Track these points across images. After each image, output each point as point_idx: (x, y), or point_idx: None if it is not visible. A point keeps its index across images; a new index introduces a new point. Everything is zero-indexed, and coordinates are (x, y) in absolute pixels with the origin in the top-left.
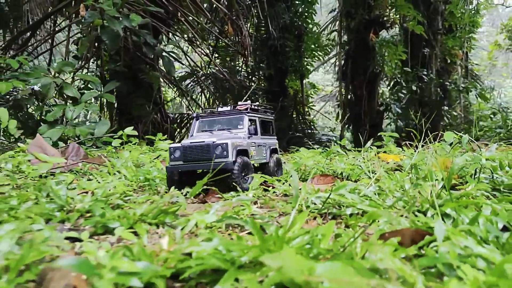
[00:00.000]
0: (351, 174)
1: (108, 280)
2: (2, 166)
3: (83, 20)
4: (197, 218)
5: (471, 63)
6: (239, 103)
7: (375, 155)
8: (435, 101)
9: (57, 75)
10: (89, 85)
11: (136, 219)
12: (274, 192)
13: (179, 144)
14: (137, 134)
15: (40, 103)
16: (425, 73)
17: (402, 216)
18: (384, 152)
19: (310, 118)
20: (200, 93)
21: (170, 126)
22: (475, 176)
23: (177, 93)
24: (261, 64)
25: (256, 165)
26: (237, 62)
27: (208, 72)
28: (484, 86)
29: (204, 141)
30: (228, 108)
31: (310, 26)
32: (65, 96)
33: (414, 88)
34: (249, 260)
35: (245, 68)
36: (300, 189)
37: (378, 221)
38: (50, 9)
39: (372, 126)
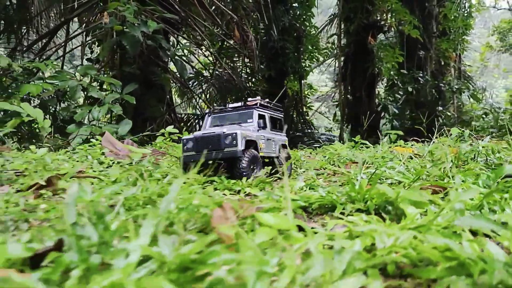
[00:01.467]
0: (374, 162)
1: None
2: (88, 159)
3: (104, 25)
4: (292, 184)
5: (464, 65)
6: (249, 99)
7: (388, 148)
8: (430, 101)
9: (81, 77)
10: (104, 88)
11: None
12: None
13: (191, 136)
14: (178, 131)
15: (65, 104)
16: (421, 75)
17: (427, 181)
18: (397, 146)
19: (309, 118)
20: (200, 94)
21: (179, 126)
22: (474, 159)
23: (186, 94)
24: (261, 66)
25: (266, 160)
26: (238, 64)
27: (214, 73)
28: (476, 87)
29: (214, 132)
30: (239, 104)
31: (309, 28)
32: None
33: (410, 89)
34: (346, 200)
35: (245, 70)
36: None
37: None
38: (57, 13)
39: (370, 126)
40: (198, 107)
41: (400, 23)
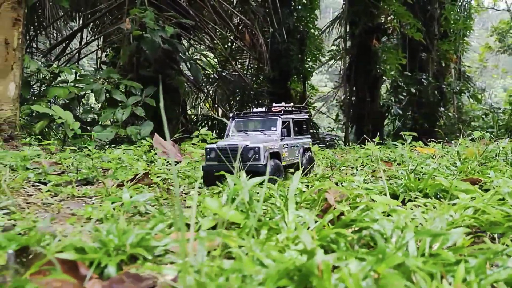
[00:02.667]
0: (400, 161)
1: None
2: (144, 160)
3: (125, 31)
4: (351, 179)
5: (463, 65)
6: (274, 104)
7: (410, 149)
8: (432, 102)
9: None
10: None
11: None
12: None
13: (214, 145)
14: (210, 132)
15: (86, 106)
16: (424, 76)
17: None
18: (420, 146)
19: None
20: (208, 95)
21: (192, 127)
22: (496, 158)
23: (198, 96)
24: (265, 67)
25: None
26: (244, 66)
27: (222, 75)
28: (476, 87)
29: (237, 144)
30: (263, 109)
31: (312, 30)
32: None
33: (413, 90)
34: (404, 190)
35: (251, 71)
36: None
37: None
38: (69, 19)
39: (374, 126)
40: (205, 108)
41: (403, 25)
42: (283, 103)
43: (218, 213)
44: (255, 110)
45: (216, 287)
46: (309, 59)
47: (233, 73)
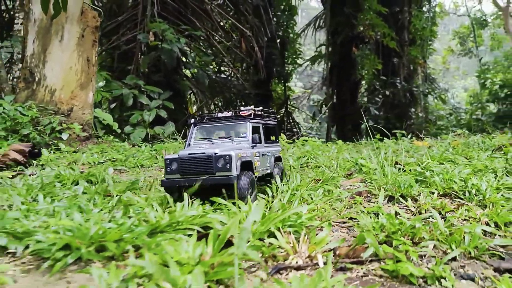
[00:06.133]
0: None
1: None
2: None
3: (142, 40)
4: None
5: (428, 68)
6: (242, 108)
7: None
8: (404, 104)
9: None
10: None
11: None
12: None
13: (176, 155)
14: None
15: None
16: (398, 80)
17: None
18: (415, 141)
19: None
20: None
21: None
22: (473, 146)
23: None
24: (249, 69)
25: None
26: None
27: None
28: (440, 88)
29: (204, 153)
30: (229, 113)
31: (291, 35)
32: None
33: (387, 93)
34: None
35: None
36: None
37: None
38: None
39: (353, 125)
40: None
41: (378, 34)
42: (252, 107)
43: None
44: (220, 114)
45: None
46: (289, 62)
47: (222, 76)
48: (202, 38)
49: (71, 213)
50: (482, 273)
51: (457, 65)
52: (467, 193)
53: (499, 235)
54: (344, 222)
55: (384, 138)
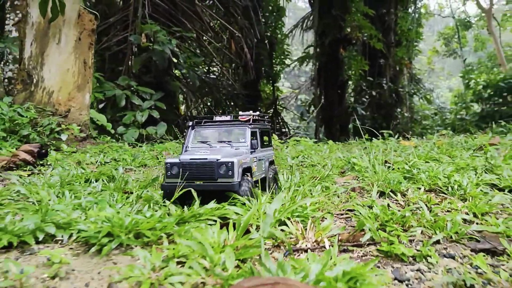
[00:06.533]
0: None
1: None
2: None
3: (133, 41)
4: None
5: (414, 68)
6: (241, 113)
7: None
8: (390, 104)
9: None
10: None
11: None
12: None
13: (176, 160)
14: None
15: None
16: (385, 81)
17: None
18: (402, 140)
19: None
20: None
21: (186, 126)
22: (456, 145)
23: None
24: (237, 70)
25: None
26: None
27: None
28: (425, 88)
29: (206, 158)
30: (228, 117)
31: (279, 36)
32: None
33: (374, 93)
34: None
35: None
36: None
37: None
38: None
39: (341, 126)
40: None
41: (365, 36)
42: (250, 111)
43: None
44: (218, 118)
45: None
46: (277, 63)
47: (211, 76)
48: (192, 39)
49: (102, 206)
50: (461, 253)
51: (442, 66)
52: (450, 189)
53: (476, 223)
54: (342, 214)
55: (373, 138)
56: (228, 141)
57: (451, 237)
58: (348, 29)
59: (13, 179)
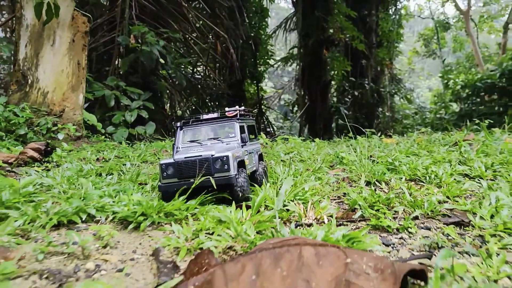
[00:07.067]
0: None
1: None
2: None
3: (121, 42)
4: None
5: (395, 68)
6: (227, 109)
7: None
8: (372, 104)
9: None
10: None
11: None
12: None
13: (171, 160)
14: None
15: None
16: (367, 81)
17: None
18: (384, 138)
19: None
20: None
21: (174, 126)
22: (434, 142)
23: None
24: (223, 71)
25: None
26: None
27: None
28: (405, 88)
29: (201, 155)
30: (215, 115)
31: (263, 36)
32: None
33: (356, 93)
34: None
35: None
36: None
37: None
38: None
39: (324, 125)
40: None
41: (347, 37)
42: (236, 107)
43: None
44: (205, 116)
45: None
46: (261, 63)
47: (196, 77)
48: (179, 40)
49: (129, 193)
50: (436, 226)
51: (422, 66)
52: (427, 178)
53: (449, 203)
54: (335, 199)
55: (357, 136)
56: (218, 138)
57: (428, 214)
58: (331, 31)
59: (32, 173)
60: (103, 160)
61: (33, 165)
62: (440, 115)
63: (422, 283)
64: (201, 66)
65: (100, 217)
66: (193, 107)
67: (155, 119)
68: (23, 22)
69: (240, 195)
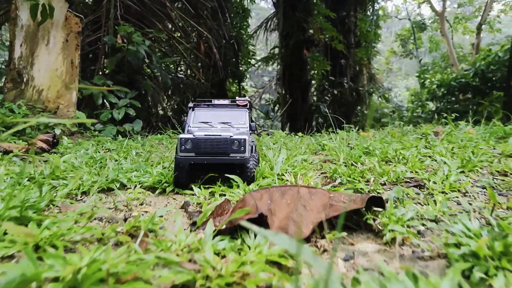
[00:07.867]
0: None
1: None
2: None
3: (107, 42)
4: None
5: (373, 68)
6: (237, 98)
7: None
8: (351, 102)
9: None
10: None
11: None
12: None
13: (190, 135)
14: None
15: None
16: (346, 80)
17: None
18: (361, 132)
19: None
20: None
21: (157, 124)
22: (407, 134)
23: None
24: (206, 70)
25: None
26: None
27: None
28: (383, 88)
29: (221, 135)
30: (226, 101)
31: (245, 36)
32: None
33: (335, 92)
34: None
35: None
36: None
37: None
38: None
39: (305, 122)
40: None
41: (327, 37)
42: (246, 97)
43: None
44: (216, 102)
45: None
46: (243, 63)
47: (180, 76)
48: (163, 40)
49: (149, 169)
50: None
51: (399, 66)
52: (397, 159)
53: (410, 173)
54: (318, 175)
55: (337, 130)
56: (229, 123)
57: (394, 181)
58: (311, 31)
59: (51, 159)
60: (107, 150)
61: (43, 155)
62: (417, 113)
63: (381, 210)
64: (184, 66)
65: (130, 186)
66: (176, 106)
67: (140, 117)
68: (18, 22)
69: (250, 175)
